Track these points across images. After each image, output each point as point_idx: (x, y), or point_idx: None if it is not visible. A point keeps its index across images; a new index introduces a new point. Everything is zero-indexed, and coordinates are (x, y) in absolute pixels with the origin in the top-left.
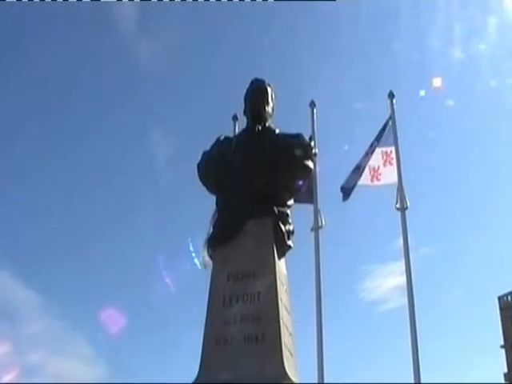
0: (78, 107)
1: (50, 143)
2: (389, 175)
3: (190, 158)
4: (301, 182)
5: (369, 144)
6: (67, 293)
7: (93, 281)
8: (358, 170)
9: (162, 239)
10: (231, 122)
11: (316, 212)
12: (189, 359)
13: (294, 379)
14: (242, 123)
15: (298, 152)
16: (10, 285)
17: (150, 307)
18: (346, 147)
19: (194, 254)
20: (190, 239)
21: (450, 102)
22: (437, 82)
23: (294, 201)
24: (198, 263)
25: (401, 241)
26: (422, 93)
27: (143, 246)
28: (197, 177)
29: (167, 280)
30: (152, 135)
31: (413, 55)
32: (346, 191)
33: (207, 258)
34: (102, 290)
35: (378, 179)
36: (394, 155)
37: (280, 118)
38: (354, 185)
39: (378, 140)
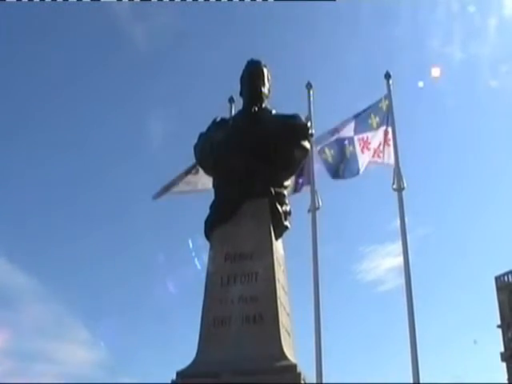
0: (75, 91)
1: (47, 127)
2: (388, 156)
3: (186, 141)
4: (298, 163)
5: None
6: (64, 278)
7: (90, 265)
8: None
9: (159, 223)
10: (227, 104)
11: (313, 193)
12: (188, 340)
13: (291, 359)
14: (238, 105)
15: (295, 132)
16: (7, 270)
17: (148, 289)
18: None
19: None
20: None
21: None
22: (435, 71)
23: (294, 192)
24: (197, 264)
25: (398, 221)
26: (421, 84)
27: (139, 230)
28: (194, 158)
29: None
30: (148, 118)
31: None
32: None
33: None
34: (99, 275)
35: (379, 156)
36: (391, 135)
37: (276, 100)
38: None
39: (366, 116)
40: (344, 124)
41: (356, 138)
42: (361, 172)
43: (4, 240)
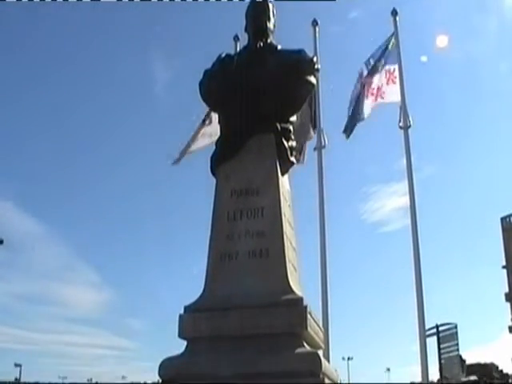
0: (77, 31)
1: (51, 71)
2: (392, 94)
3: (190, 82)
4: (303, 98)
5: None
6: (70, 220)
7: (98, 208)
8: (356, 103)
9: (163, 162)
10: (232, 43)
11: (319, 131)
12: (196, 273)
13: (298, 292)
14: (243, 43)
15: (301, 67)
16: (14, 215)
17: (154, 223)
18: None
19: None
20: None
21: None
22: (441, 41)
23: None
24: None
25: (404, 161)
26: (424, 58)
27: (144, 173)
28: (198, 98)
29: None
30: (152, 59)
31: None
32: (348, 130)
33: None
34: (107, 218)
35: (382, 97)
36: (397, 73)
37: (282, 38)
38: (354, 124)
39: (375, 60)
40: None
41: (365, 82)
42: (365, 117)
43: (10, 185)
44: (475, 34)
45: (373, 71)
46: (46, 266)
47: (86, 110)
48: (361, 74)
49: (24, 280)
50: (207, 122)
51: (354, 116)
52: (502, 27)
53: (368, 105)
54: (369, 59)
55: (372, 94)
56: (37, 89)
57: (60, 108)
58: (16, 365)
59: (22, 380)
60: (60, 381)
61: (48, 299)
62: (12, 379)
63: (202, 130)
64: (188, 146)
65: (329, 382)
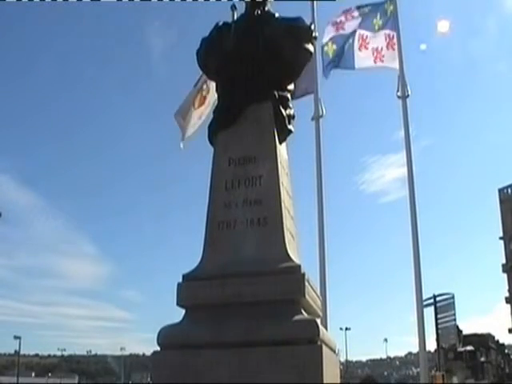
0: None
1: (47, 46)
2: (391, 59)
3: (187, 51)
4: (301, 66)
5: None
6: (69, 193)
7: (93, 179)
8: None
9: (159, 133)
10: (230, 12)
11: (316, 101)
12: (193, 244)
13: (295, 260)
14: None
15: (298, 34)
16: (11, 188)
17: (152, 195)
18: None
19: None
20: None
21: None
22: (443, 26)
23: (295, 97)
24: None
25: (402, 132)
26: (423, 46)
27: (140, 139)
28: (195, 67)
29: None
30: (148, 28)
31: None
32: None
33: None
34: (102, 188)
35: (382, 60)
36: (395, 40)
37: (279, 7)
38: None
39: (371, 15)
40: (348, 18)
41: (358, 32)
42: (356, 68)
43: (7, 158)
44: (474, 19)
45: (368, 27)
46: (44, 239)
47: (83, 82)
48: (349, 10)
49: (23, 253)
50: (204, 88)
51: (339, 57)
52: (501, 21)
53: (361, 58)
54: (363, 6)
55: (366, 48)
56: (34, 63)
57: (57, 81)
58: (15, 337)
59: (22, 352)
60: (59, 353)
61: (47, 272)
62: (12, 351)
63: (198, 98)
64: (186, 121)
65: (327, 349)
